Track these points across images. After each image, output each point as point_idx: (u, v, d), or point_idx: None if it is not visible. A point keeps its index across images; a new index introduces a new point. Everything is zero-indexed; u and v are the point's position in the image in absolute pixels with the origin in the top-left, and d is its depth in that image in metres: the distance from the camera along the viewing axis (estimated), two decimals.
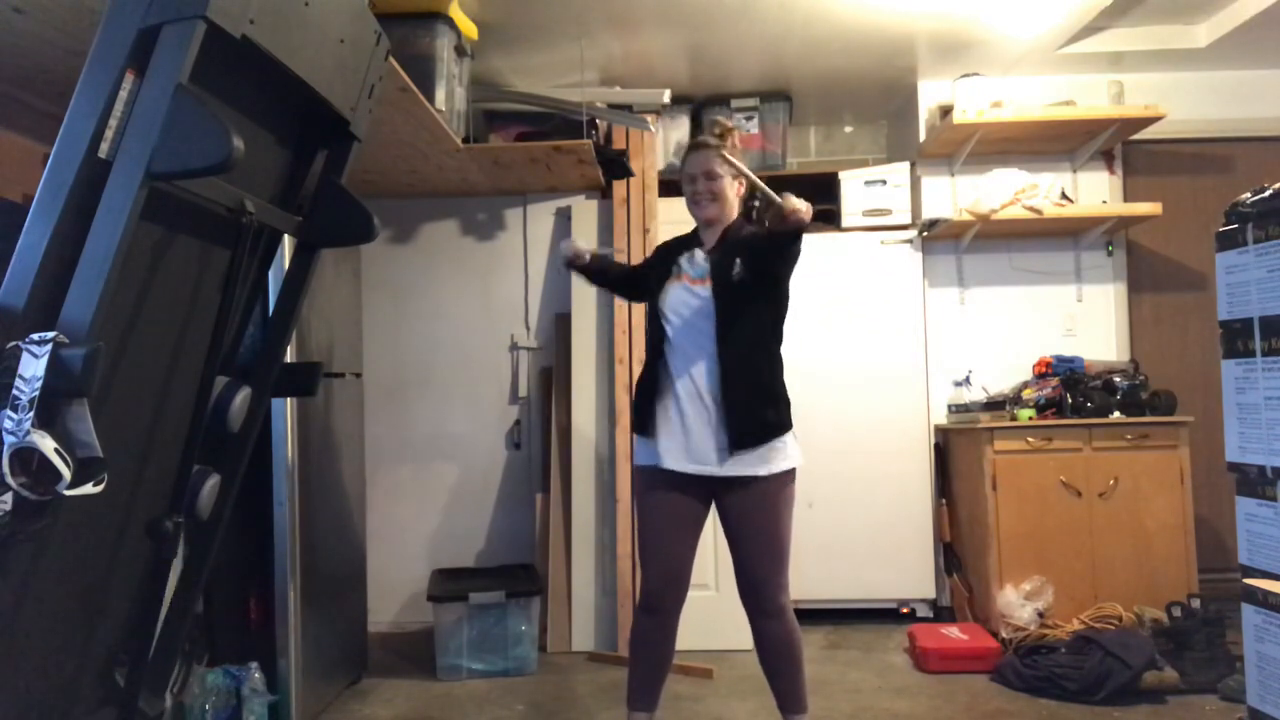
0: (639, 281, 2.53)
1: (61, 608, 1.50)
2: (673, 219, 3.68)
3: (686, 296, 2.34)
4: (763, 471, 2.27)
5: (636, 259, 3.77)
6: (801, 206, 2.08)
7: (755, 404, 2.28)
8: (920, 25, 3.44)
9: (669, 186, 3.83)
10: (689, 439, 2.29)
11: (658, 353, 2.38)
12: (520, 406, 4.17)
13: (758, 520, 2.29)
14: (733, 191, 2.38)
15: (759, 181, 2.25)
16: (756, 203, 2.43)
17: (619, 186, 3.90)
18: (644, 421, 2.37)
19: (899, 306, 3.99)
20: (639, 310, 3.69)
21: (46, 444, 1.21)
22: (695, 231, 2.46)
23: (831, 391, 3.92)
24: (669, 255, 2.46)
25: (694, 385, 2.29)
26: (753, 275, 2.27)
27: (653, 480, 2.35)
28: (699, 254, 2.38)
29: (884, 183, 4.02)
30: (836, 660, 3.42)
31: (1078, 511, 3.49)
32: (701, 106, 4.20)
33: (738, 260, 2.29)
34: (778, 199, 2.12)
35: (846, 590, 3.93)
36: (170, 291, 1.57)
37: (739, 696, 3.05)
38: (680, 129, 4.12)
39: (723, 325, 2.28)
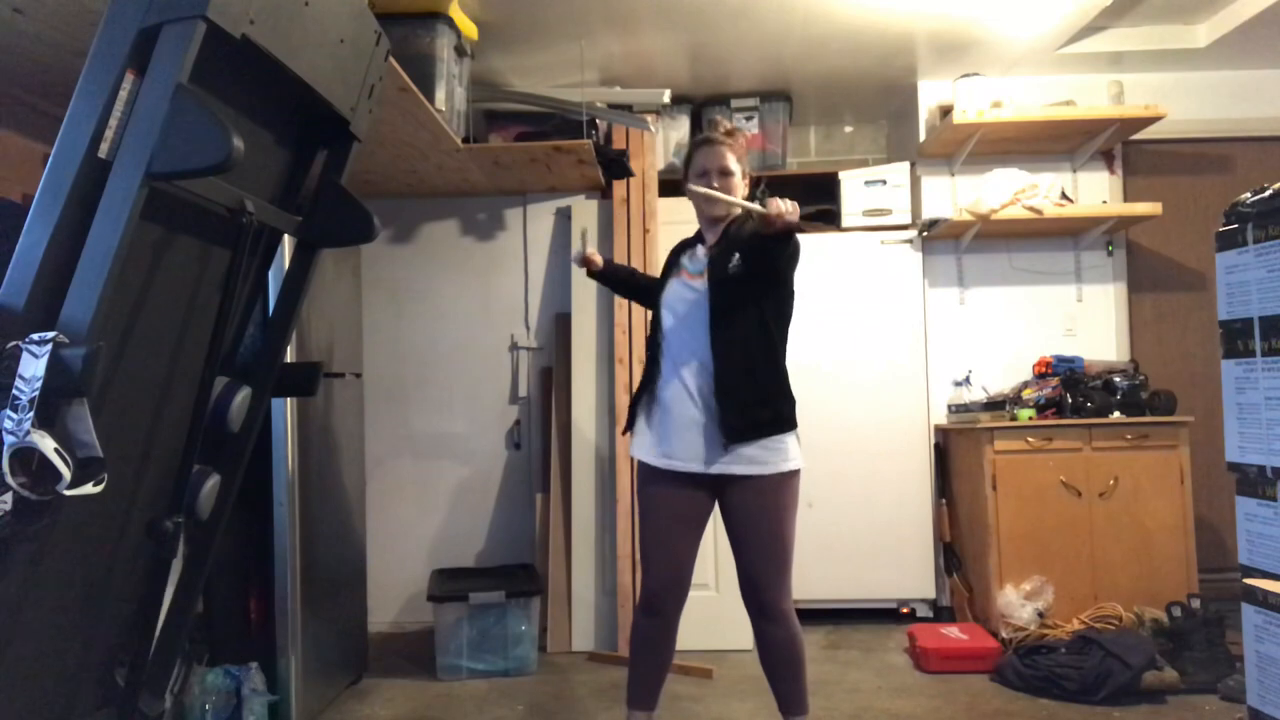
0: (655, 288, 2.54)
1: (61, 608, 1.50)
2: (673, 219, 3.68)
3: (683, 291, 2.35)
4: (765, 471, 2.25)
5: (637, 259, 3.77)
6: (786, 208, 2.03)
7: (749, 400, 2.25)
8: (920, 25, 3.44)
9: (669, 186, 3.83)
10: (675, 437, 2.29)
11: (654, 349, 2.39)
12: (520, 406, 4.17)
13: (760, 522, 2.27)
14: (742, 190, 2.37)
15: (742, 202, 2.26)
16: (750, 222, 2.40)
17: (619, 186, 3.90)
18: (631, 418, 2.42)
19: (899, 306, 3.99)
20: (639, 310, 3.69)
21: (46, 444, 1.21)
22: (699, 230, 2.48)
23: (831, 391, 3.92)
24: (676, 255, 2.49)
25: (685, 381, 2.29)
26: (750, 270, 2.25)
27: (655, 476, 2.34)
28: (700, 250, 2.40)
29: (884, 183, 4.02)
30: (836, 660, 3.42)
31: (1078, 511, 3.48)
32: (701, 106, 4.20)
33: (735, 254, 2.28)
34: (759, 208, 2.08)
35: (846, 590, 3.93)
36: (170, 291, 1.57)
37: (739, 696, 3.05)
38: (680, 129, 4.12)
39: (716, 319, 2.27)
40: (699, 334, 2.29)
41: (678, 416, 2.29)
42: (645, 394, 2.40)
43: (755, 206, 2.11)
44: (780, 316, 2.33)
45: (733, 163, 2.33)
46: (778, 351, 2.32)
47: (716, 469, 2.26)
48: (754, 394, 2.26)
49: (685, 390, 2.29)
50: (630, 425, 2.43)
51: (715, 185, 2.31)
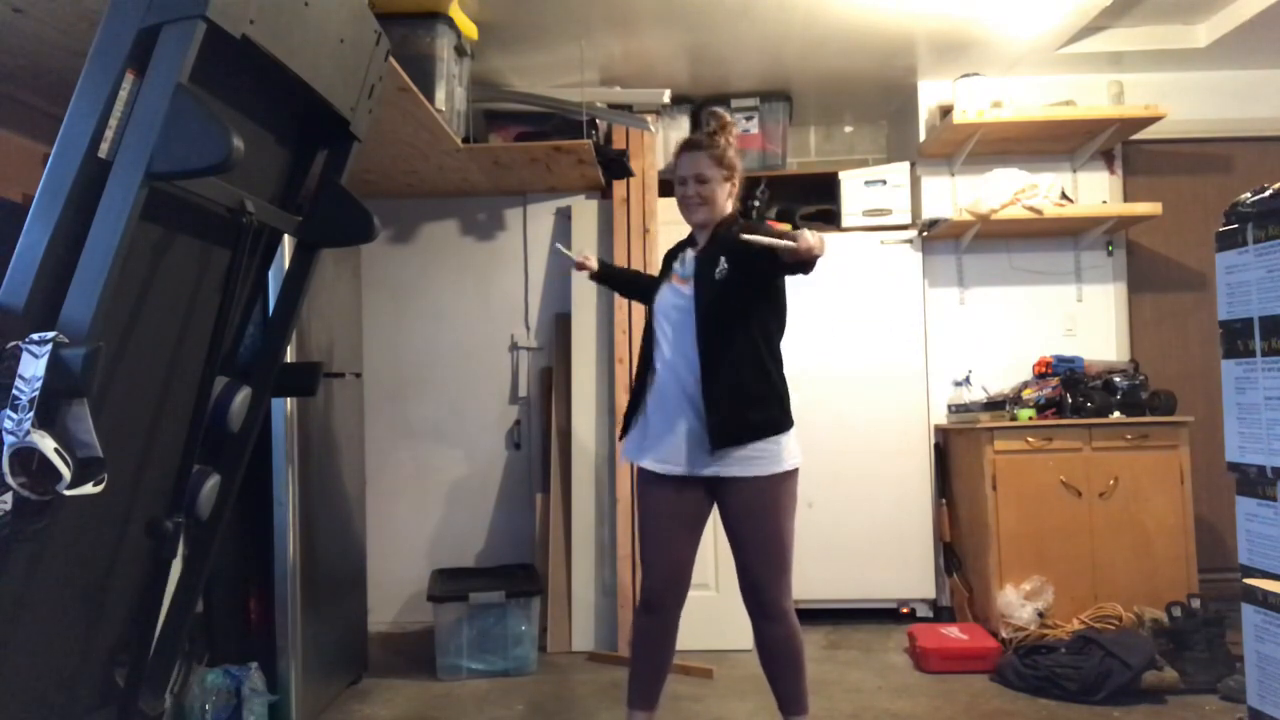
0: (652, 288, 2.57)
1: (61, 608, 1.50)
2: (672, 219, 3.65)
3: (673, 298, 2.36)
4: (760, 472, 2.24)
5: (637, 259, 3.78)
6: (814, 242, 1.98)
7: (737, 404, 2.23)
8: (920, 25, 3.44)
9: (669, 186, 3.81)
10: (664, 441, 2.30)
11: (647, 355, 2.41)
12: (520, 406, 4.17)
13: (758, 522, 2.27)
14: (724, 193, 2.34)
15: (776, 242, 2.05)
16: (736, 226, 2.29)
17: (619, 186, 3.90)
18: (627, 423, 2.44)
19: (899, 306, 3.99)
20: (639, 309, 3.69)
21: (46, 444, 1.21)
22: (691, 233, 2.48)
23: (832, 391, 3.92)
24: (669, 258, 2.51)
25: (677, 385, 2.30)
26: (743, 274, 2.22)
27: (653, 479, 2.35)
28: (689, 254, 2.40)
29: (884, 183, 4.02)
30: (836, 660, 3.42)
31: (1078, 511, 3.48)
32: (701, 106, 4.19)
33: (723, 259, 2.25)
34: (792, 245, 1.98)
35: (846, 590, 3.93)
36: (170, 291, 1.57)
37: (739, 696, 3.05)
38: (680, 129, 4.12)
39: (703, 324, 2.27)
40: (687, 339, 2.29)
41: (668, 422, 2.30)
42: (639, 400, 2.41)
43: (789, 244, 1.99)
44: (771, 319, 2.30)
45: (709, 168, 2.30)
46: (767, 353, 2.28)
47: (707, 472, 2.26)
48: (742, 399, 2.24)
49: (676, 396, 2.30)
50: (625, 431, 2.44)
51: (691, 193, 2.33)
